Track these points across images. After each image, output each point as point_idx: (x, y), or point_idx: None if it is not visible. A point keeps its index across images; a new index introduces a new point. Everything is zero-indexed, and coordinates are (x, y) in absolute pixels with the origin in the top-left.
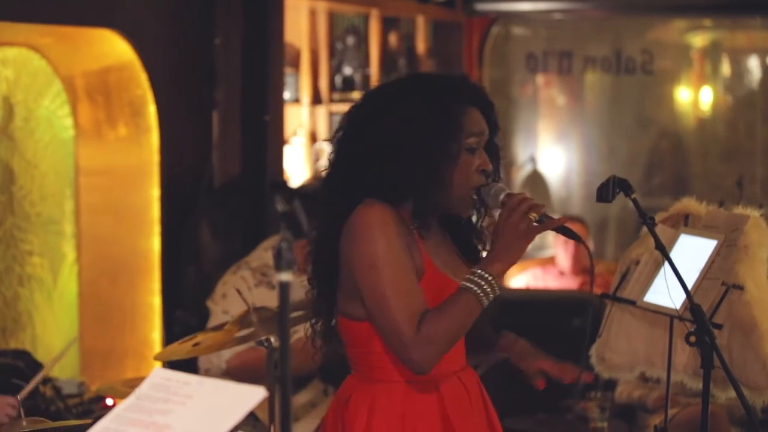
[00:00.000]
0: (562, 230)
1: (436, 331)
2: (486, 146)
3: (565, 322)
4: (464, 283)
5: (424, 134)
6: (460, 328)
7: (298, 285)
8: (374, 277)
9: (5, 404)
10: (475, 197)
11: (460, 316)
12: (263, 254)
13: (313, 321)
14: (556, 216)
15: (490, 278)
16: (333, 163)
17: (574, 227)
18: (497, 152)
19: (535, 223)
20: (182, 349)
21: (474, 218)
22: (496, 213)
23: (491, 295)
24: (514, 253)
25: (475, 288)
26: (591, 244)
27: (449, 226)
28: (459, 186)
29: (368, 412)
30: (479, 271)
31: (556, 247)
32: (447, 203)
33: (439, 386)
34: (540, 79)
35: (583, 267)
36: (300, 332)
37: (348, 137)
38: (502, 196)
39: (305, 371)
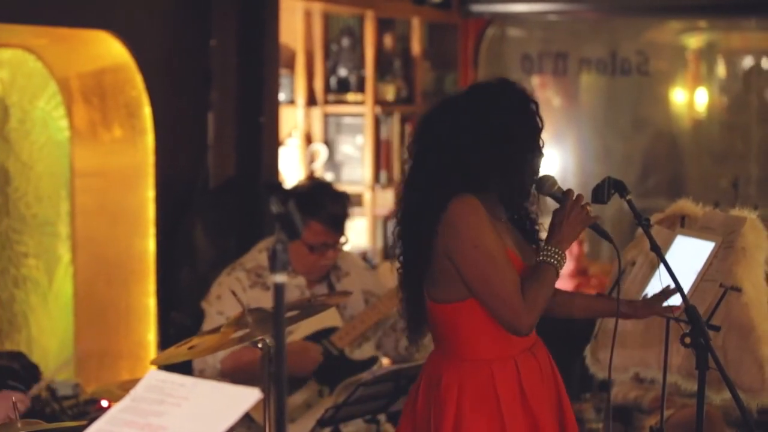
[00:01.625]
0: (595, 227)
1: (537, 298)
2: None
3: (562, 324)
4: (546, 259)
5: (524, 135)
6: (549, 294)
7: (293, 286)
8: (479, 255)
9: (8, 398)
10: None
11: (550, 284)
12: (258, 255)
13: (403, 308)
14: None
15: (562, 253)
16: (418, 167)
17: None
18: None
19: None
20: (179, 353)
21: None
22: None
23: (562, 266)
24: (576, 235)
25: (555, 262)
26: (586, 246)
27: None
28: (530, 178)
29: (458, 389)
30: (554, 248)
31: None
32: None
33: (517, 361)
34: (535, 80)
35: (579, 269)
36: (294, 333)
37: (435, 141)
38: (555, 188)
39: (302, 373)
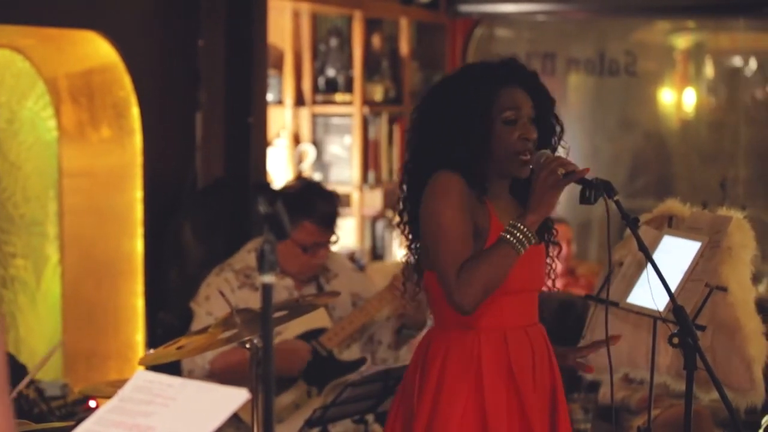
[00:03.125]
0: (584, 182)
1: (471, 276)
2: (543, 119)
3: (551, 324)
4: (501, 233)
5: (460, 115)
6: (495, 273)
7: (281, 287)
8: (435, 228)
9: None
10: (525, 159)
11: (494, 261)
12: (246, 256)
13: (407, 272)
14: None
15: (524, 228)
16: (411, 141)
17: (559, 229)
18: (553, 124)
19: (562, 178)
20: (167, 353)
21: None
22: None
23: (526, 243)
24: (545, 205)
25: (510, 237)
26: (574, 246)
27: (521, 190)
28: (503, 153)
29: (443, 355)
30: (517, 223)
31: None
32: (499, 169)
33: (506, 336)
34: None
35: (568, 269)
36: (283, 333)
37: (420, 121)
38: (542, 159)
39: (290, 373)
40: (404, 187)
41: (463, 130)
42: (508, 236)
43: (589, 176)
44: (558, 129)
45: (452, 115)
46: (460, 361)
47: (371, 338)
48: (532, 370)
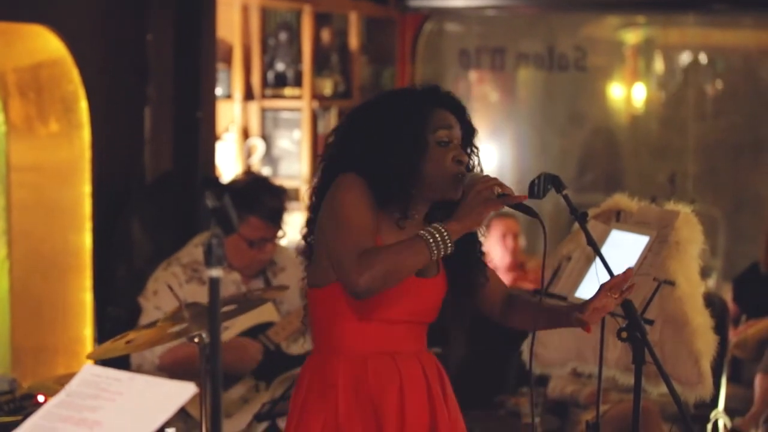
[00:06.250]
0: (521, 207)
1: (376, 257)
2: (467, 147)
3: None
4: (420, 231)
5: (391, 134)
6: (400, 263)
7: (229, 281)
8: (334, 218)
9: None
10: (459, 181)
11: (403, 252)
12: (194, 250)
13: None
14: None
15: (444, 232)
16: (334, 145)
17: (506, 223)
18: (476, 152)
19: (497, 197)
20: (115, 347)
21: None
22: None
23: (441, 248)
24: (472, 217)
25: (428, 236)
26: (523, 239)
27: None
28: (436, 174)
29: (308, 379)
30: (437, 224)
31: (490, 243)
32: (428, 191)
33: (366, 362)
34: (473, 75)
35: (516, 263)
36: (231, 328)
37: (342, 141)
38: (477, 179)
39: (241, 371)
40: (316, 188)
41: (393, 150)
42: (426, 235)
43: (537, 171)
44: (477, 159)
45: (383, 134)
46: (320, 386)
47: None
48: (399, 399)
